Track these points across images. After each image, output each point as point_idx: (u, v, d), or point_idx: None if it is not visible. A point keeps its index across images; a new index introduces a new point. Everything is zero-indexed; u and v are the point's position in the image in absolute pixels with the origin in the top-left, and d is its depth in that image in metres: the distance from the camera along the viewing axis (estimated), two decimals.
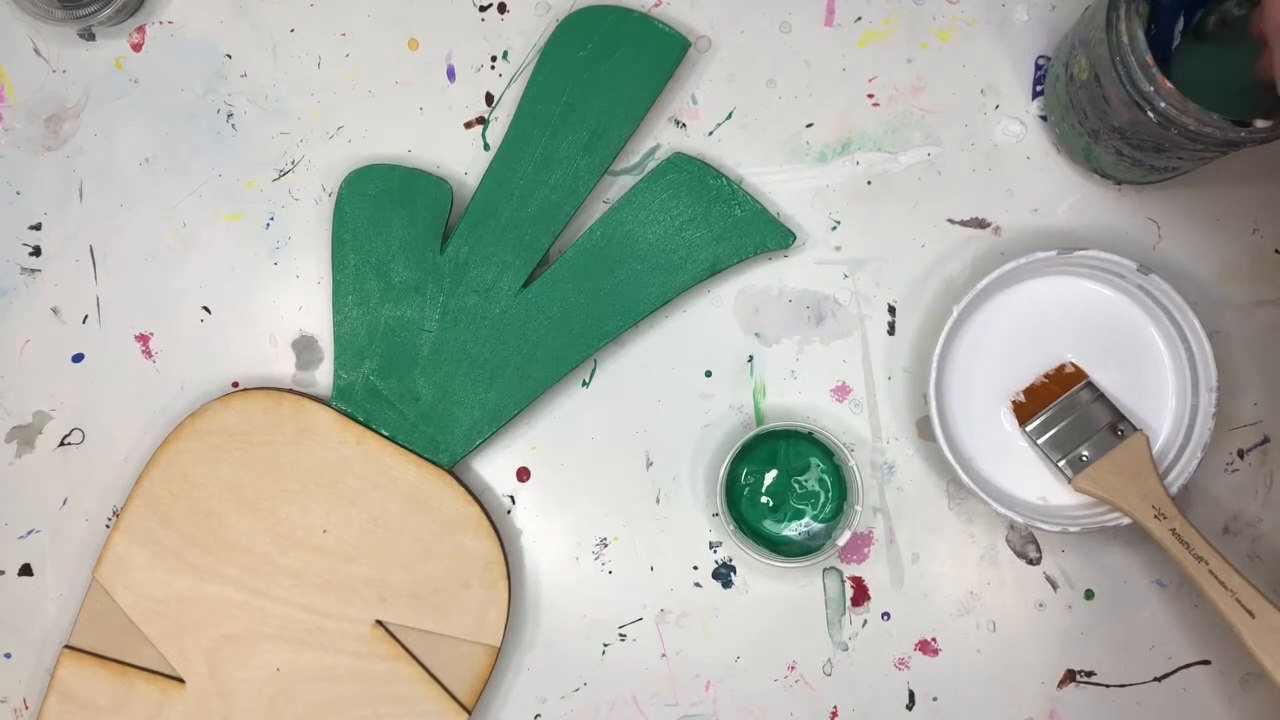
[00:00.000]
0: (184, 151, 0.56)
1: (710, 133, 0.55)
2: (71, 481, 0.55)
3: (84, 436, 0.55)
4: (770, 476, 0.53)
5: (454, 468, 0.53)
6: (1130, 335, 0.53)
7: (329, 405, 0.53)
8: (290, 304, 0.55)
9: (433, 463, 0.53)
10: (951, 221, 0.55)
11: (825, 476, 0.53)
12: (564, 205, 0.54)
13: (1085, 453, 0.51)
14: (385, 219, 0.54)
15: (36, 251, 0.56)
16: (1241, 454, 0.54)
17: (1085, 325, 0.53)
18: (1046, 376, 0.53)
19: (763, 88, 0.55)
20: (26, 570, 0.55)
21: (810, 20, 0.55)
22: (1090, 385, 0.52)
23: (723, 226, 0.53)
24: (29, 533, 0.55)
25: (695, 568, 0.54)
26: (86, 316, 0.56)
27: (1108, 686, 0.53)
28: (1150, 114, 0.45)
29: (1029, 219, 0.55)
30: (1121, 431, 0.51)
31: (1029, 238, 0.54)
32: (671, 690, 0.54)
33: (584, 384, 0.55)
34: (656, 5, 0.55)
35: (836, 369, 0.54)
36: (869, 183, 0.55)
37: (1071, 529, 0.51)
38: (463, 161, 0.56)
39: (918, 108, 0.55)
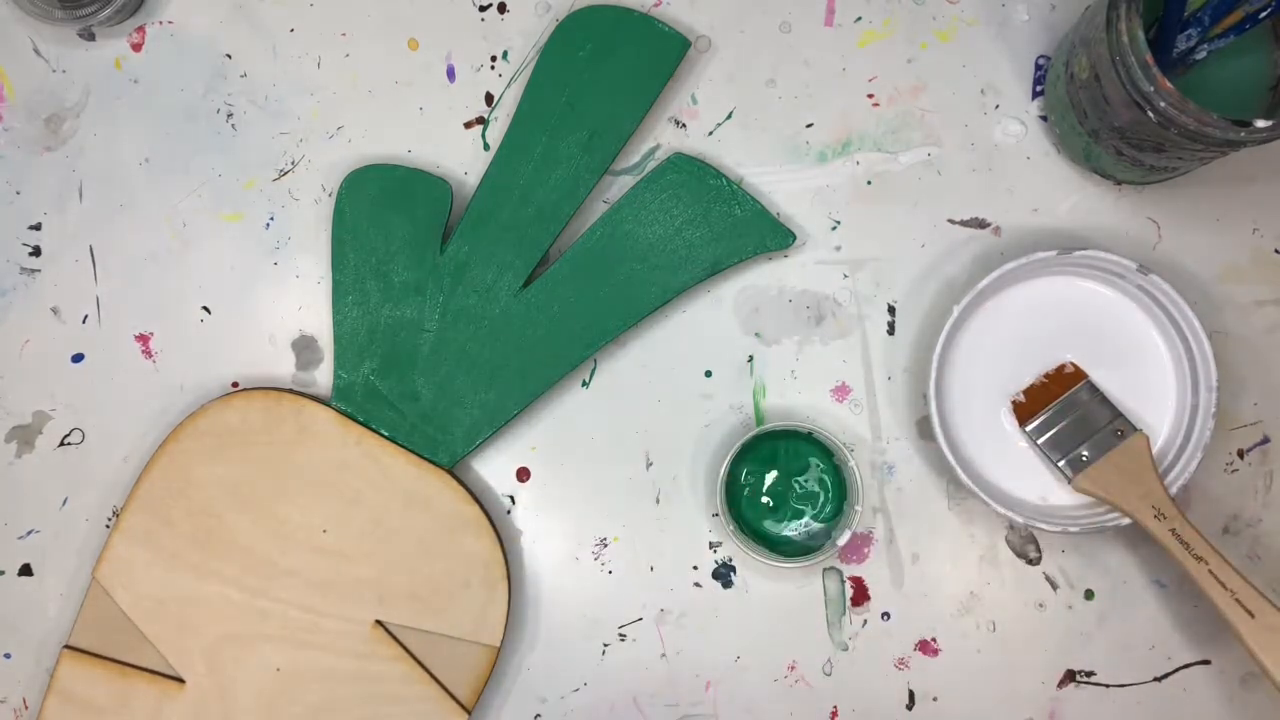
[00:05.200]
0: (184, 151, 0.56)
1: (710, 133, 0.55)
2: (71, 481, 0.55)
3: (84, 436, 0.55)
4: (770, 477, 0.53)
5: (454, 468, 0.53)
6: (1130, 335, 0.53)
7: (329, 405, 0.53)
8: (290, 304, 0.55)
9: (432, 463, 0.53)
10: (951, 221, 0.55)
11: (825, 476, 0.53)
12: (564, 205, 0.54)
13: (1085, 453, 0.51)
14: (385, 219, 0.54)
15: (36, 251, 0.56)
16: (1241, 454, 0.54)
17: (1085, 325, 0.53)
18: (1046, 376, 0.53)
19: (763, 88, 0.55)
20: (26, 570, 0.55)
21: (810, 20, 0.55)
22: (1090, 385, 0.52)
23: (723, 226, 0.53)
24: (29, 533, 0.55)
25: (695, 568, 0.54)
26: (86, 316, 0.56)
27: (1108, 686, 0.53)
28: (1150, 114, 0.45)
29: (1029, 219, 0.55)
30: (1121, 431, 0.51)
31: (1029, 238, 0.54)
32: (671, 690, 0.54)
33: (584, 384, 0.55)
34: (656, 5, 0.55)
35: (836, 369, 0.55)
36: (869, 183, 0.55)
37: (1071, 529, 0.51)
38: (463, 161, 0.56)
39: (918, 108, 0.55)
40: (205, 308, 0.56)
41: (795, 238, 0.54)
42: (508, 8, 0.56)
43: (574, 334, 0.53)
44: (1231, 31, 0.48)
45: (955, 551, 0.54)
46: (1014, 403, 0.53)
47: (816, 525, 0.53)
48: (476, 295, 0.54)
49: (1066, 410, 0.52)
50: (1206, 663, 0.53)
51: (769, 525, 0.53)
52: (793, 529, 0.53)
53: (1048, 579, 0.54)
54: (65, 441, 0.55)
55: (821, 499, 0.53)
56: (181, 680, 0.52)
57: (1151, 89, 0.44)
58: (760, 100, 0.55)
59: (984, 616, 0.54)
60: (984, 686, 0.53)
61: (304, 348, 0.55)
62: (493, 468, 0.55)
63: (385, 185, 0.54)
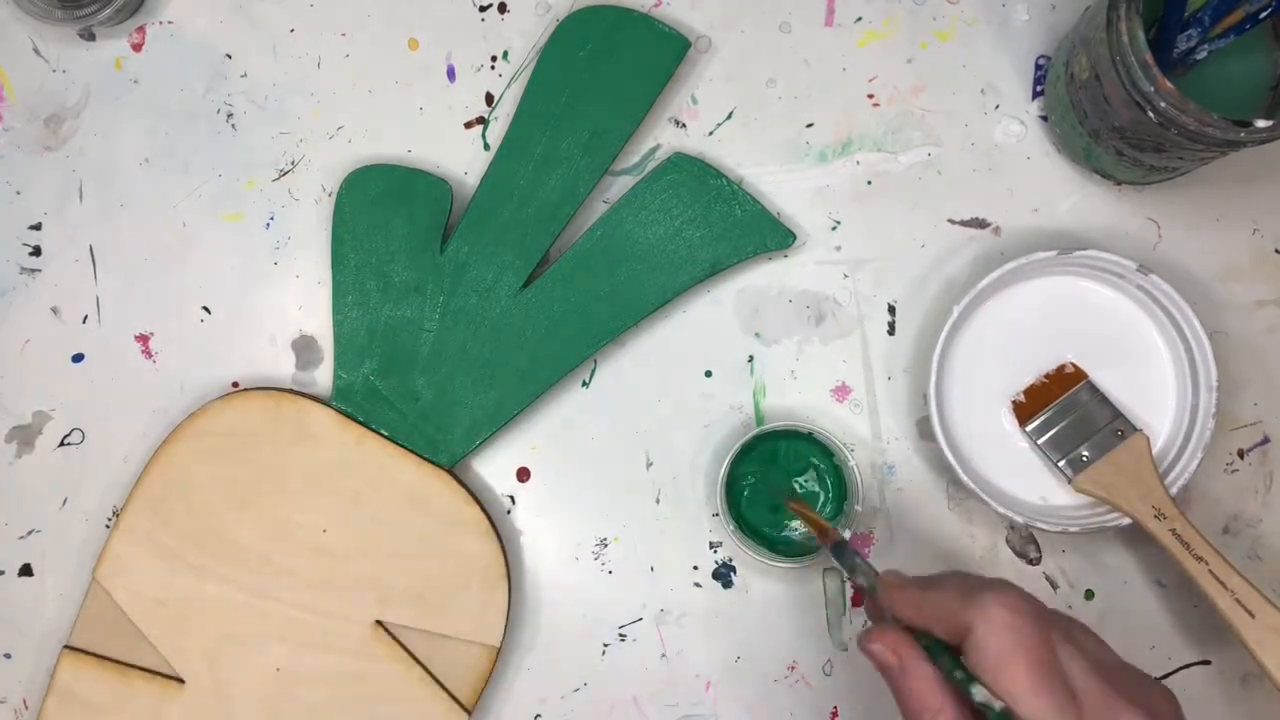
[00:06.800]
0: (184, 151, 0.56)
1: (710, 133, 0.55)
2: (71, 481, 0.55)
3: (84, 436, 0.55)
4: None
5: (454, 468, 0.53)
6: (1130, 335, 0.53)
7: (329, 405, 0.53)
8: (290, 304, 0.55)
9: (433, 463, 0.53)
10: (951, 221, 0.55)
11: (825, 477, 0.53)
12: (564, 205, 0.54)
13: (1085, 453, 0.51)
14: (385, 219, 0.54)
15: (36, 251, 0.56)
16: (1241, 454, 0.54)
17: (1085, 325, 0.53)
18: (1046, 376, 0.53)
19: (763, 88, 0.55)
20: (26, 570, 0.55)
21: (810, 20, 0.55)
22: (1090, 385, 0.52)
23: (723, 226, 0.53)
24: (29, 533, 0.55)
25: (695, 568, 0.54)
26: (86, 316, 0.56)
27: None
28: (1150, 114, 0.45)
29: (1029, 219, 0.55)
30: (1121, 431, 0.51)
31: (1029, 238, 0.54)
32: (671, 690, 0.54)
33: (584, 384, 0.55)
34: (656, 5, 0.55)
35: (836, 369, 0.55)
36: (869, 183, 0.55)
37: (1071, 529, 0.51)
38: (463, 161, 0.56)
39: (918, 108, 0.55)
40: (205, 308, 0.56)
41: (795, 238, 0.54)
42: (508, 8, 0.56)
43: (574, 334, 0.53)
44: (1232, 31, 0.48)
45: (955, 551, 0.54)
46: (1014, 403, 0.53)
47: None
48: (477, 295, 0.54)
49: (1066, 410, 0.52)
50: (1206, 663, 0.53)
51: (769, 525, 0.53)
52: (793, 529, 0.53)
53: (1048, 579, 0.54)
54: (65, 441, 0.55)
55: (821, 499, 0.53)
56: (181, 680, 0.52)
57: (1152, 89, 0.44)
58: (760, 100, 0.55)
59: None
60: None
61: (304, 348, 0.55)
62: (493, 468, 0.55)
63: (385, 185, 0.54)
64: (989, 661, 0.36)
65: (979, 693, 0.36)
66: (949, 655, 0.37)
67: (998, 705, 0.35)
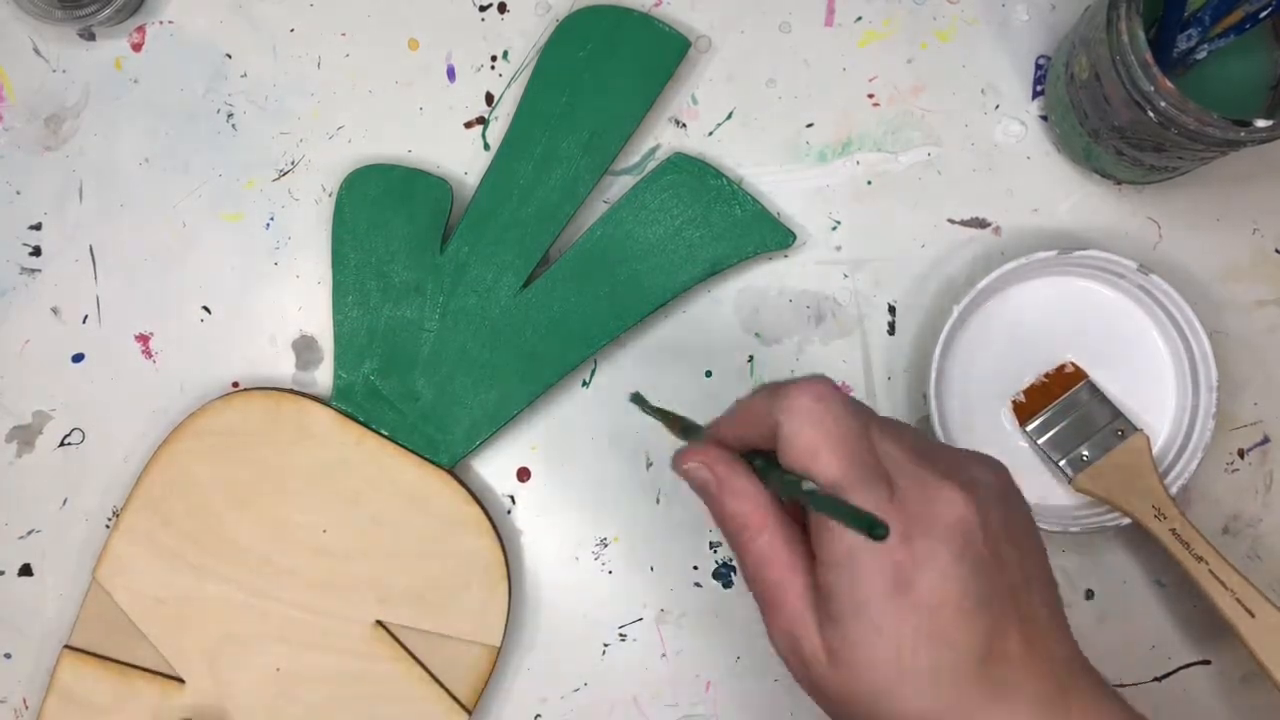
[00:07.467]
0: (184, 151, 0.56)
1: (710, 133, 0.55)
2: (71, 481, 0.55)
3: (84, 436, 0.55)
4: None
5: (454, 468, 0.53)
6: (1130, 335, 0.53)
7: (329, 405, 0.53)
8: (290, 304, 0.55)
9: (433, 463, 0.53)
10: (951, 221, 0.55)
11: None
12: (564, 205, 0.54)
13: (1085, 452, 0.51)
14: (385, 219, 0.54)
15: (36, 251, 0.56)
16: (1241, 454, 0.54)
17: (1085, 325, 0.53)
18: (1046, 376, 0.53)
19: (763, 88, 0.55)
20: (26, 570, 0.55)
21: (810, 20, 0.55)
22: (1090, 385, 0.52)
23: (723, 226, 0.53)
24: (29, 533, 0.55)
25: (695, 568, 0.54)
26: (86, 316, 0.56)
27: None
28: (1150, 114, 0.45)
29: (1029, 219, 0.55)
30: (1121, 431, 0.51)
31: (1029, 238, 0.54)
32: (671, 690, 0.54)
33: (584, 384, 0.55)
34: (656, 5, 0.55)
35: (836, 369, 0.54)
36: (869, 183, 0.55)
37: (1071, 529, 0.51)
38: (463, 161, 0.56)
39: (918, 108, 0.55)
40: (205, 308, 0.56)
41: (795, 237, 0.54)
42: (508, 8, 0.56)
43: (574, 334, 0.53)
44: (1232, 31, 0.48)
45: None
46: (1014, 403, 0.53)
47: None
48: (477, 295, 0.54)
49: (1066, 410, 0.52)
50: (1206, 663, 0.53)
51: None
52: None
53: None
54: (65, 441, 0.55)
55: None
56: (181, 680, 0.52)
57: (1151, 89, 0.44)
58: (760, 100, 0.55)
59: None
60: None
61: (304, 348, 0.55)
62: (493, 468, 0.55)
63: (385, 185, 0.54)
64: (797, 452, 0.34)
65: (808, 484, 0.34)
66: (769, 462, 0.35)
67: (812, 486, 0.34)
